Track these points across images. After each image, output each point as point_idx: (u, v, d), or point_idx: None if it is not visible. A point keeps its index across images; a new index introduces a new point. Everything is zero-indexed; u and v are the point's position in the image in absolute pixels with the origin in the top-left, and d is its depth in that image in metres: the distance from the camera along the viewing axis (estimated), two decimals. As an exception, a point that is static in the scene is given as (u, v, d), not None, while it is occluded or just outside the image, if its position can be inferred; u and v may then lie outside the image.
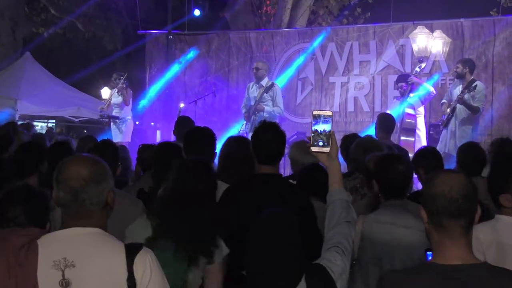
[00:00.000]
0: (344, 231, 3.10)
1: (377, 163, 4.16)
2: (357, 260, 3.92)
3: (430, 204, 2.51)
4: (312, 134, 3.13)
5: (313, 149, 3.15)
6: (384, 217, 3.89)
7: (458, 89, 10.35)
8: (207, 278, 3.53)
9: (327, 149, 3.14)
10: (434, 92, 11.09)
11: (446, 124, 10.54)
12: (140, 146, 6.16)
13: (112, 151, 4.89)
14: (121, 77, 13.04)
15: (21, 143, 6.23)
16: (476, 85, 10.15)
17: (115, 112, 13.13)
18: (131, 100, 13.26)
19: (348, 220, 3.14)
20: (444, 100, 10.89)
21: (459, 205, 2.46)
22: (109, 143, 5.30)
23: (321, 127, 3.12)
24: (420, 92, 10.87)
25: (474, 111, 10.16)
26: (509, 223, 3.50)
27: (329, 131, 3.13)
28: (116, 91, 13.06)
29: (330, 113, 3.15)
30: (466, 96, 10.12)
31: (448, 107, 10.55)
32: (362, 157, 5.40)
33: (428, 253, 2.67)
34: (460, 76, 10.46)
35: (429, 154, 5.43)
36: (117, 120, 13.06)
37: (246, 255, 2.77)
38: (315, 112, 3.14)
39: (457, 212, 2.46)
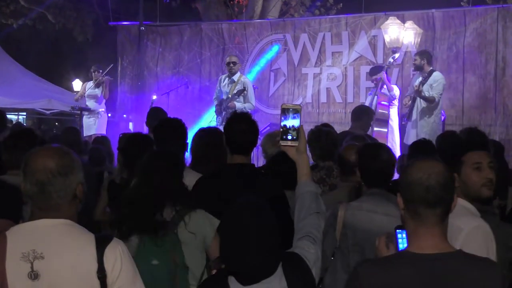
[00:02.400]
0: (314, 221, 3.11)
1: (361, 152, 4.17)
2: (339, 247, 3.95)
3: (407, 191, 2.51)
4: (281, 129, 3.13)
5: (282, 143, 3.15)
6: (366, 205, 3.91)
7: (418, 81, 10.41)
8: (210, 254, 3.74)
9: (295, 143, 3.14)
10: (398, 93, 11.18)
11: (409, 116, 10.62)
12: (121, 135, 6.10)
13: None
14: (101, 70, 13.04)
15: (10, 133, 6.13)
16: (432, 74, 10.28)
17: (90, 104, 13.08)
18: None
19: (318, 211, 3.15)
20: (407, 94, 10.98)
21: (436, 194, 2.45)
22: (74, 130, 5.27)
23: (290, 122, 3.11)
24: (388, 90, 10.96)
25: (430, 102, 10.22)
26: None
27: (298, 127, 3.13)
28: (95, 83, 13.02)
29: (299, 106, 3.15)
30: (425, 87, 10.20)
31: (409, 100, 10.63)
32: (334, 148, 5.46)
33: (397, 230, 2.67)
34: (418, 68, 10.54)
35: (423, 146, 5.48)
36: (87, 112, 13.02)
37: (222, 243, 2.76)
38: (284, 106, 3.13)
39: (434, 201, 2.46)
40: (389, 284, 2.43)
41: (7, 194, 3.24)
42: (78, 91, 13.66)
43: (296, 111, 3.12)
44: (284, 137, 3.13)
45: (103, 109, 13.16)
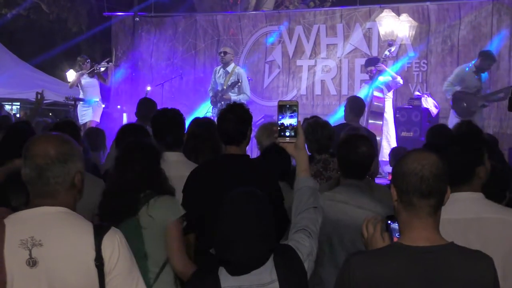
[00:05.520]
0: (311, 216, 3.13)
1: (341, 142, 4.17)
2: None
3: (401, 182, 2.50)
4: (279, 127, 3.13)
5: (280, 140, 3.16)
6: (339, 196, 3.87)
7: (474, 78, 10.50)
8: (167, 236, 3.70)
9: (294, 140, 3.15)
10: (401, 82, 11.18)
11: (473, 115, 10.50)
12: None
13: (72, 130, 4.85)
14: (88, 61, 13.04)
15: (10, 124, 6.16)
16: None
17: (85, 94, 13.04)
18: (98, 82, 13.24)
19: (315, 205, 3.17)
20: (450, 87, 10.98)
21: (430, 185, 2.45)
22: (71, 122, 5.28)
23: (288, 120, 3.12)
24: (388, 78, 10.96)
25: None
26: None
27: (296, 124, 3.14)
28: (89, 75, 13.02)
29: (296, 103, 3.15)
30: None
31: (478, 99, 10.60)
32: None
33: (389, 222, 2.66)
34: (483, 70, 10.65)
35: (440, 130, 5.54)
36: (81, 102, 13.02)
37: (217, 231, 2.77)
38: (281, 103, 3.14)
39: (428, 191, 2.45)
40: (381, 276, 2.43)
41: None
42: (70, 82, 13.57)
43: (294, 108, 3.12)
44: (282, 134, 3.14)
45: (98, 99, 13.13)
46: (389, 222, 2.67)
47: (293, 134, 3.13)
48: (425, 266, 2.41)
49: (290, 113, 3.11)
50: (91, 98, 13.04)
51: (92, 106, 13.01)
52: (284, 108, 3.12)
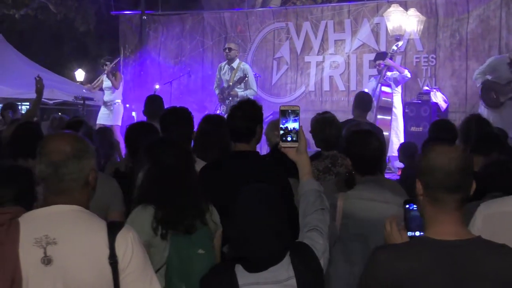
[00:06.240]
0: (319, 217, 3.13)
1: (350, 139, 4.17)
2: (340, 238, 3.93)
3: (427, 177, 2.49)
4: (281, 132, 3.15)
5: (282, 144, 3.17)
6: (365, 193, 3.90)
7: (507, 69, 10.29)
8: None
9: (295, 145, 3.16)
10: (409, 75, 11.14)
11: (501, 106, 10.39)
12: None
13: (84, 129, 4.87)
14: (108, 62, 12.89)
15: (19, 123, 6.16)
16: None
17: (106, 96, 12.91)
18: (121, 84, 13.02)
19: (322, 207, 3.17)
20: (481, 76, 10.74)
21: (457, 179, 2.44)
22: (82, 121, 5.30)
23: (291, 125, 3.13)
24: (396, 73, 10.93)
25: None
26: None
27: (298, 129, 3.15)
28: (105, 76, 12.94)
29: (297, 107, 3.16)
30: None
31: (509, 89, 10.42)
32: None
33: (408, 205, 2.64)
34: None
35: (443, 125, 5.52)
36: (90, 103, 12.93)
37: (232, 228, 2.78)
38: (282, 108, 3.14)
39: (455, 186, 2.44)
40: (409, 270, 2.42)
41: (23, 182, 3.28)
42: (81, 81, 13.51)
43: (296, 113, 3.13)
44: (284, 138, 3.15)
45: (119, 100, 12.93)
46: (407, 206, 2.65)
47: (295, 138, 3.15)
48: (453, 260, 2.40)
49: (293, 117, 3.13)
50: (113, 99, 12.84)
51: (114, 109, 12.81)
52: (286, 113, 3.13)
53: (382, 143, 4.08)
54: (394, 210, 3.65)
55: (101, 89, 13.20)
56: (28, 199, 3.17)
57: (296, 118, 3.13)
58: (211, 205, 3.65)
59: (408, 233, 2.63)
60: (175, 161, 3.56)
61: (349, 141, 4.17)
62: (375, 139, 4.02)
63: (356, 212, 3.87)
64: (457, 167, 2.44)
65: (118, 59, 13.26)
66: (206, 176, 4.14)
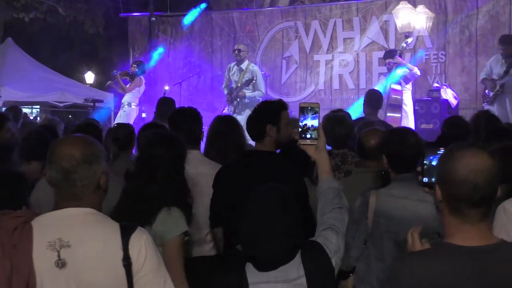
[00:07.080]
0: (337, 215, 3.11)
1: (387, 138, 4.14)
2: (371, 235, 3.92)
3: (451, 188, 2.29)
4: (300, 129, 3.13)
5: (301, 142, 3.16)
6: (397, 191, 3.87)
7: (500, 65, 10.29)
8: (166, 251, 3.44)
9: (315, 142, 3.15)
10: (419, 73, 11.11)
11: (493, 101, 10.39)
12: (115, 125, 6.11)
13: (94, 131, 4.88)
14: (134, 65, 13.02)
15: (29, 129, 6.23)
16: None
17: (127, 98, 12.99)
18: (140, 88, 13.10)
19: (341, 206, 3.15)
20: (484, 76, 10.74)
21: (484, 193, 2.26)
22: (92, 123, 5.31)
23: (310, 122, 3.11)
24: (406, 71, 10.90)
25: None
26: None
27: (318, 126, 3.14)
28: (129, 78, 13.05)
29: (317, 105, 3.14)
30: None
31: (495, 84, 10.39)
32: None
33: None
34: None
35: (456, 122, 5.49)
36: (100, 104, 13.03)
37: (243, 227, 2.78)
38: (302, 105, 3.13)
39: (480, 200, 2.27)
40: (433, 278, 2.28)
41: (13, 186, 3.30)
42: (90, 83, 13.57)
43: (315, 110, 3.12)
44: (303, 136, 3.14)
45: (134, 104, 13.04)
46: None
47: (314, 136, 3.13)
48: (482, 266, 2.26)
49: (312, 114, 3.11)
50: (131, 102, 12.97)
51: (125, 110, 12.92)
52: (305, 109, 3.12)
53: (419, 139, 4.05)
54: (429, 209, 3.60)
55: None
56: (18, 203, 3.12)
57: (315, 115, 3.12)
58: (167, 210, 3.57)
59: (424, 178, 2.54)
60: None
61: (385, 140, 4.14)
62: (412, 136, 4.00)
63: (388, 210, 3.84)
64: (486, 181, 2.25)
65: (138, 62, 13.31)
66: (224, 175, 4.29)
